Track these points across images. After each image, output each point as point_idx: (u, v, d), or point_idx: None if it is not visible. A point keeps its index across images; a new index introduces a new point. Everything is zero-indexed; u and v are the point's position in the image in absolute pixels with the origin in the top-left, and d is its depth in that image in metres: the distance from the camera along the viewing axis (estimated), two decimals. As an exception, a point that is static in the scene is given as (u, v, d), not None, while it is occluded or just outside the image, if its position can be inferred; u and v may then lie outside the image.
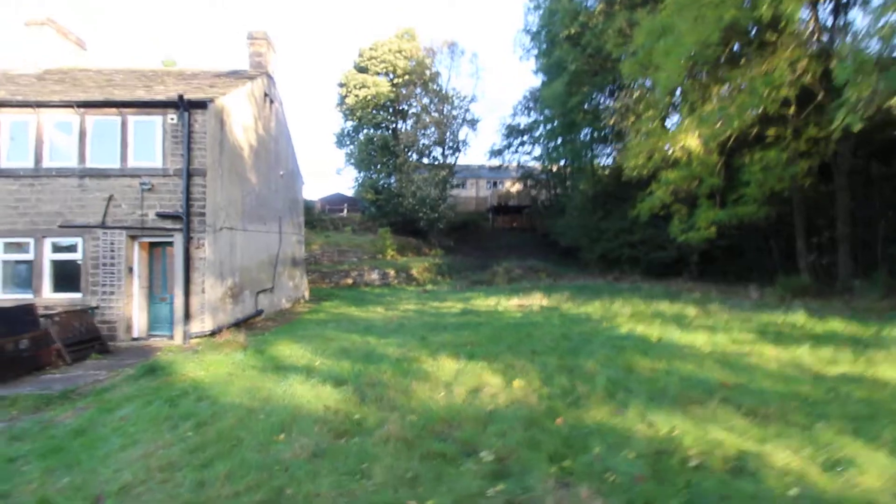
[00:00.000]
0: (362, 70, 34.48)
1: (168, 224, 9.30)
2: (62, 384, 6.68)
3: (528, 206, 43.23)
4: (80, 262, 9.16)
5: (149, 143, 9.39)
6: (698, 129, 14.14)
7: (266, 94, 13.50)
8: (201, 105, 9.42)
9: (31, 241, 9.10)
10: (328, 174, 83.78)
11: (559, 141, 29.86)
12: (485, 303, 14.71)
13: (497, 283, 20.67)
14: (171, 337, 9.31)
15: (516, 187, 46.78)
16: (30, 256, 9.09)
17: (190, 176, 9.32)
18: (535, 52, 26.12)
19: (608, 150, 22.10)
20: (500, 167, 42.23)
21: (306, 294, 17.69)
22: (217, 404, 5.14)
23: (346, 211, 37.75)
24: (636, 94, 16.45)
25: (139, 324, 9.53)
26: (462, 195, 46.67)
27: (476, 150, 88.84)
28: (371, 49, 34.60)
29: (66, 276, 9.18)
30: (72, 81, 10.60)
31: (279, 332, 10.27)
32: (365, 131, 34.85)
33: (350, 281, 22.08)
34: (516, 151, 41.32)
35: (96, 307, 9.06)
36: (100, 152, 9.36)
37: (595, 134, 21.11)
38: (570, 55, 19.80)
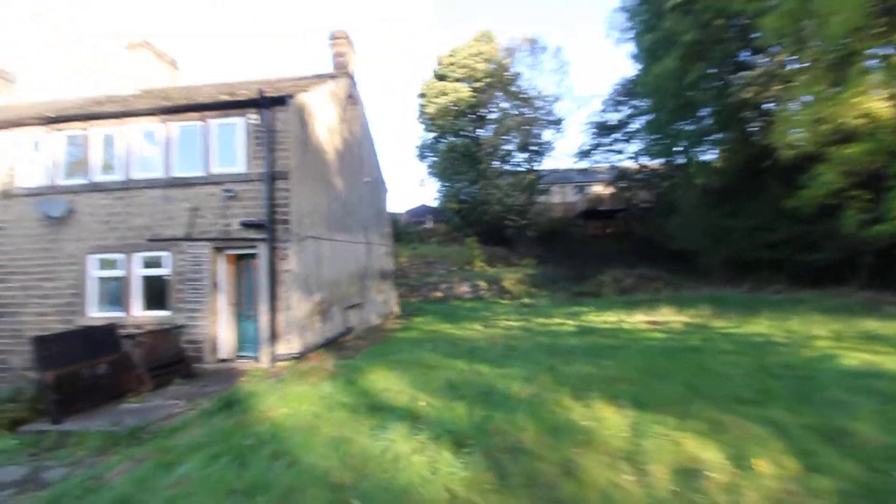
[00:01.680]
0: (441, 78, 33.78)
1: (252, 234, 8.43)
2: (135, 418, 5.76)
3: (623, 210, 39.28)
4: (167, 278, 8.59)
5: (231, 147, 8.66)
6: (889, 86, 10.75)
7: (349, 96, 12.63)
8: (282, 102, 8.51)
9: (121, 256, 8.72)
10: (411, 187, 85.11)
11: (666, 132, 26.35)
12: (601, 318, 12.39)
13: (605, 294, 18.04)
14: (258, 359, 8.35)
15: (607, 190, 43.04)
16: (121, 273, 8.70)
17: (273, 180, 8.39)
18: (633, 32, 23.15)
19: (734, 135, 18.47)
20: (587, 170, 39.00)
21: (396, 309, 16.57)
22: (296, 466, 3.69)
23: (430, 222, 37.01)
24: (786, 55, 13.19)
25: (226, 344, 8.73)
26: (546, 201, 44.00)
27: (560, 152, 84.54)
28: (450, 55, 33.84)
29: (155, 293, 8.66)
30: (162, 96, 10.39)
31: (371, 354, 8.95)
32: (446, 140, 33.95)
33: (439, 294, 20.74)
34: (607, 151, 37.98)
35: (182, 326, 8.38)
36: (184, 160, 8.82)
37: (720, 115, 17.72)
38: (682, 24, 16.84)
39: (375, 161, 15.52)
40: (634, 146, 37.58)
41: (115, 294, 8.79)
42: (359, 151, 13.42)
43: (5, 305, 8.86)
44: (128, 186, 8.81)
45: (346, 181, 11.84)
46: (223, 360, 8.58)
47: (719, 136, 19.15)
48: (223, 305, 8.72)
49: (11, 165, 9.16)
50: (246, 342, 8.84)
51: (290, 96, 8.63)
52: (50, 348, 6.35)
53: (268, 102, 8.45)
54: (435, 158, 36.05)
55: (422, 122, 36.05)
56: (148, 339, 7.47)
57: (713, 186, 21.65)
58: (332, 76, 11.63)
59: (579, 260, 31.78)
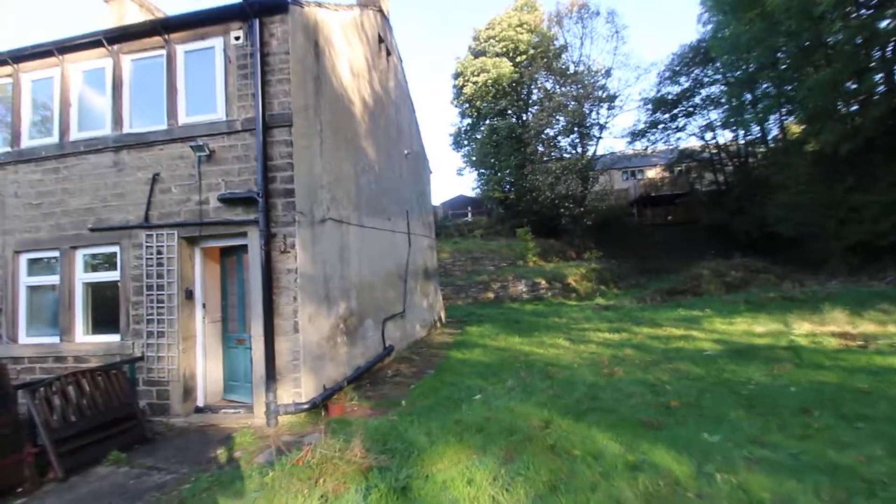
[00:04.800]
0: (480, 54, 30.39)
1: (238, 214, 5.42)
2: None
3: (685, 195, 34.67)
4: (119, 285, 5.71)
5: (206, 85, 5.68)
6: None
7: (381, 39, 9.52)
8: (280, 8, 5.45)
9: (56, 254, 5.91)
10: (447, 178, 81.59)
11: (754, 93, 22.07)
12: (736, 328, 8.77)
13: (708, 291, 14.18)
14: (252, 408, 5.33)
15: (661, 174, 38.41)
16: (55, 279, 5.89)
17: (267, 129, 5.35)
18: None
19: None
20: (639, 154, 34.58)
21: (442, 315, 13.40)
22: None
23: (469, 215, 33.74)
24: None
25: (206, 382, 5.79)
26: (594, 189, 39.74)
27: (612, 133, 77.99)
28: (488, 28, 30.45)
29: (105, 309, 5.81)
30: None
31: (424, 394, 5.77)
32: (487, 123, 30.52)
33: (491, 295, 17.44)
34: (666, 129, 33.49)
35: (138, 359, 5.47)
36: (141, 109, 5.93)
37: (853, 56, 13.45)
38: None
39: (416, 132, 12.39)
40: (695, 125, 33.13)
41: (52, 310, 6.00)
42: (396, 116, 10.31)
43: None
44: (64, 152, 5.99)
45: (380, 150, 8.75)
46: (201, 410, 5.61)
47: (851, 85, 14.74)
48: (201, 324, 5.76)
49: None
50: (236, 380, 5.86)
51: (294, 1, 5.56)
52: None
53: (259, 10, 5.41)
54: (472, 146, 32.76)
55: (457, 106, 32.83)
56: (70, 384, 4.57)
57: (844, 151, 17.18)
58: (359, 4, 8.56)
59: (642, 252, 27.74)
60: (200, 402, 5.67)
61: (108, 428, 4.68)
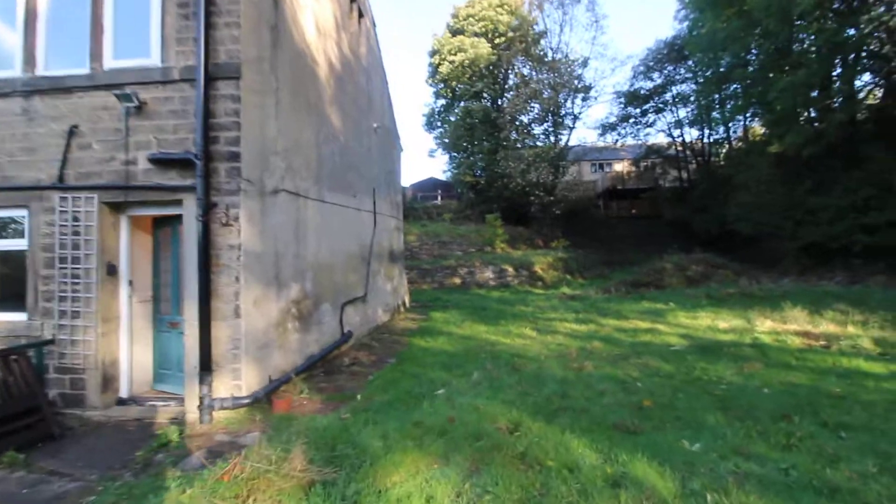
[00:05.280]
0: (458, 32, 29.46)
1: (172, 177, 4.68)
2: None
3: (650, 189, 35.44)
4: (27, 256, 4.87)
5: (138, 23, 4.84)
6: None
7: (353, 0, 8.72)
8: (231, -61, 4.66)
9: (-52, 216, 4.99)
10: (417, 159, 79.97)
11: (723, 93, 22.45)
12: (700, 322, 8.75)
13: (671, 285, 14.34)
14: (178, 401, 4.68)
15: (628, 168, 39.04)
16: (-52, 245, 4.98)
17: (210, 79, 4.60)
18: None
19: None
20: (608, 147, 34.97)
21: (407, 299, 12.91)
22: None
23: (439, 198, 33.16)
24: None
25: (133, 370, 5.08)
26: (565, 179, 39.90)
27: (585, 124, 78.27)
28: (468, 6, 29.51)
29: (8, 283, 4.95)
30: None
31: (384, 388, 5.29)
32: (461, 105, 29.77)
33: (457, 280, 17.07)
34: (637, 123, 33.86)
35: (48, 342, 4.69)
36: (59, 48, 5.01)
37: (825, 59, 13.66)
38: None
39: (388, 105, 11.66)
40: (664, 121, 33.70)
41: (-55, 282, 5.08)
42: (366, 85, 9.56)
43: None
44: (-41, 93, 5.01)
45: (347, 119, 8.03)
46: (125, 401, 4.91)
47: (814, 93, 15.00)
48: (126, 304, 5.02)
49: None
50: (168, 367, 5.18)
51: (246, -67, 4.78)
52: None
53: (203, -61, 4.59)
54: (446, 127, 32.00)
55: (432, 85, 31.92)
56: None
57: (790, 158, 17.72)
58: (325, -45, 7.73)
59: (607, 243, 28.15)
60: (124, 393, 4.96)
61: (5, 423, 3.95)
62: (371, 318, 9.07)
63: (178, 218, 4.81)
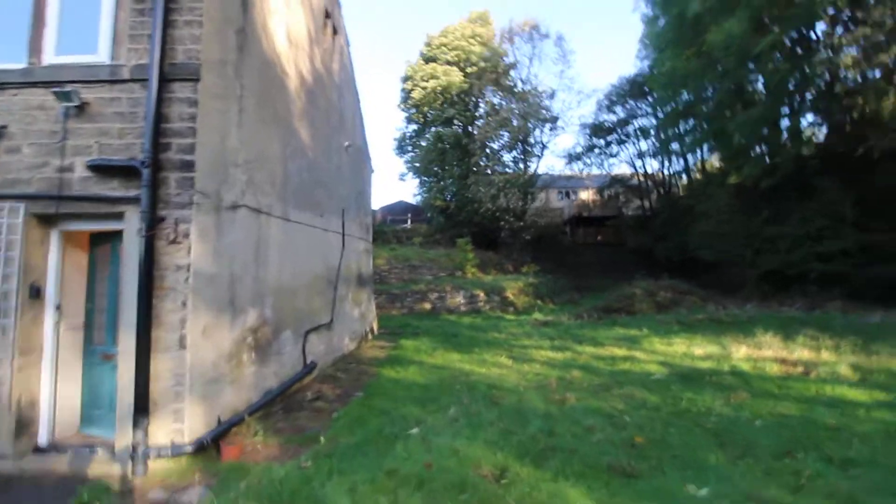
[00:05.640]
0: (431, 60, 29.88)
1: (114, 187, 4.13)
2: None
3: (614, 217, 36.61)
4: (-70, 275, 4.13)
5: (87, 16, 4.35)
6: None
7: (328, 14, 8.48)
8: (195, -67, 4.30)
9: None
10: (387, 183, 79.65)
11: (682, 127, 23.50)
12: (675, 349, 8.65)
13: (641, 311, 14.40)
14: (109, 449, 3.98)
15: (593, 196, 40.29)
16: None
17: (165, 80, 4.15)
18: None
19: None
20: (575, 176, 35.98)
21: (375, 326, 12.32)
22: None
23: (409, 221, 32.84)
24: None
25: (58, 411, 4.34)
26: (534, 205, 40.61)
27: (551, 153, 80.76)
28: (441, 35, 30.06)
29: None
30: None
31: (350, 429, 4.73)
32: (433, 130, 29.94)
33: (428, 305, 16.60)
34: (601, 154, 35.11)
35: (-53, 378, 3.94)
36: (-13, 39, 4.44)
37: (777, 96, 14.51)
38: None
39: (360, 125, 11.35)
40: (626, 152, 35.19)
41: None
42: (338, 102, 9.24)
43: None
44: None
45: (317, 135, 7.64)
46: (44, 450, 4.16)
47: (765, 130, 15.85)
48: (51, 333, 4.32)
49: None
50: (99, 407, 4.47)
51: (212, -70, 4.43)
52: None
53: (163, -68, 4.21)
54: (417, 152, 32.04)
55: (404, 110, 32.03)
56: None
57: (748, 189, 18.55)
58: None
59: (575, 269, 28.50)
60: (44, 439, 4.21)
61: None
62: (337, 346, 8.47)
63: (120, 234, 4.23)
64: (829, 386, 5.51)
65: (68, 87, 4.15)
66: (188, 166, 4.12)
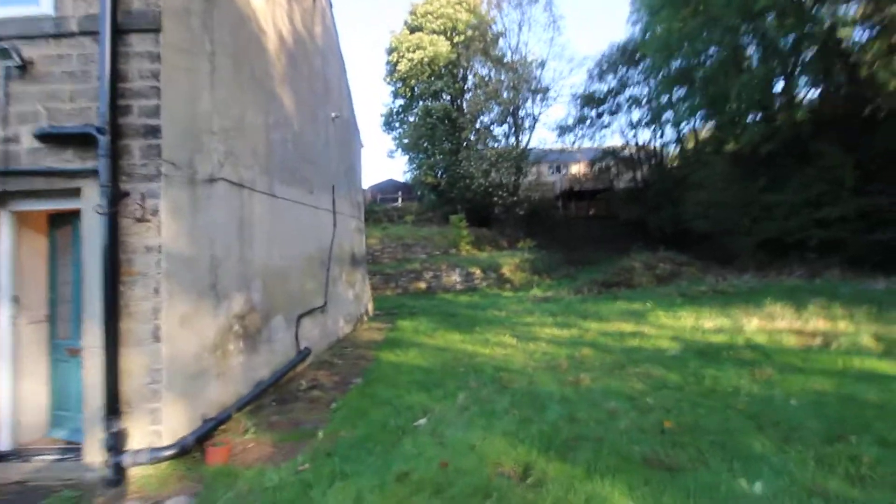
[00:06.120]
0: (416, 29, 28.67)
1: (68, 159, 3.56)
2: None
3: (606, 190, 36.31)
4: None
5: (20, -43, 3.68)
6: None
7: (306, -29, 7.71)
8: None
9: None
10: (376, 161, 77.77)
11: (675, 94, 22.92)
12: (683, 323, 8.35)
13: (640, 284, 14.15)
14: (79, 454, 3.53)
15: (584, 170, 39.75)
16: None
17: (120, 32, 3.54)
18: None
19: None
20: (566, 150, 35.32)
21: (370, 307, 11.91)
22: None
23: (400, 200, 32.16)
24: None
25: (19, 413, 3.87)
26: (527, 180, 39.97)
27: (544, 125, 78.33)
28: (426, 3, 28.76)
29: None
30: None
31: (350, 422, 4.31)
32: (421, 104, 28.98)
33: (423, 285, 16.21)
34: (592, 125, 34.43)
35: None
36: None
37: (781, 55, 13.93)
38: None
39: (347, 95, 10.64)
40: (618, 123, 34.52)
41: None
42: (323, 69, 8.55)
43: None
44: None
45: (301, 104, 7.01)
46: (5, 456, 3.70)
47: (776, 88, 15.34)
48: (7, 328, 3.81)
49: None
50: (66, 408, 4.00)
51: None
52: None
53: None
54: (404, 129, 31.09)
55: (390, 84, 30.93)
56: None
57: (745, 156, 18.18)
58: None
59: (569, 244, 28.27)
60: (5, 445, 3.75)
61: None
62: (332, 330, 8.04)
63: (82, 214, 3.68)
64: (856, 358, 5.23)
65: (5, 44, 3.52)
66: (153, 132, 3.55)
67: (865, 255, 14.81)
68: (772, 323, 7.51)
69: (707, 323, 8.09)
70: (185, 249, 3.76)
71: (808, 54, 13.69)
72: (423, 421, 4.08)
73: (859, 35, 12.67)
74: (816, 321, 7.21)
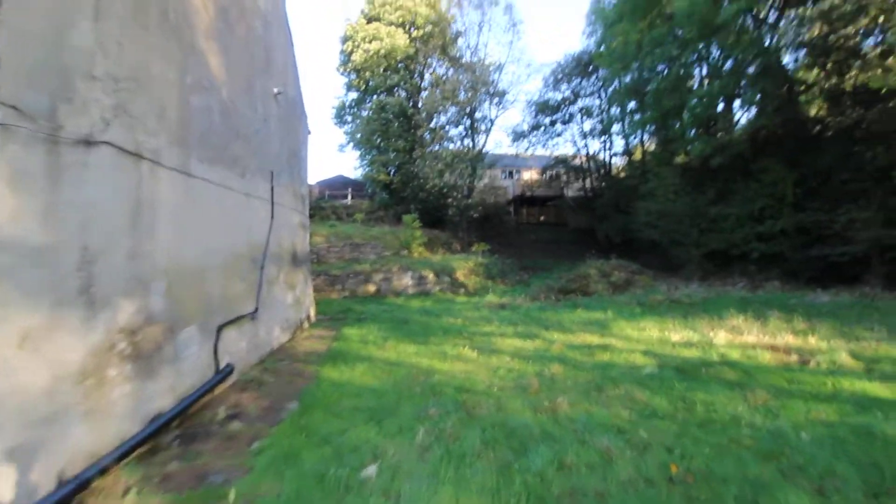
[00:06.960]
0: (374, 19, 27.46)
1: None
2: None
3: (557, 198, 37.00)
4: None
5: None
6: None
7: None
8: None
9: None
10: (325, 155, 74.46)
11: (626, 106, 23.40)
12: (649, 335, 7.95)
13: (596, 291, 13.89)
14: None
15: (536, 177, 40.28)
16: None
17: None
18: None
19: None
20: (519, 156, 35.55)
21: (312, 312, 10.68)
22: None
23: (349, 197, 30.69)
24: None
25: None
26: (482, 182, 39.71)
27: (500, 128, 79.10)
28: (384, -6, 27.60)
29: None
30: None
31: (276, 471, 3.23)
32: (375, 98, 27.76)
33: (372, 288, 15.09)
34: (546, 133, 34.84)
35: None
36: None
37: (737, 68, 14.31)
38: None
39: (293, 72, 9.42)
40: (570, 132, 35.21)
41: None
42: (263, 35, 7.34)
43: None
44: None
45: (235, 70, 5.82)
46: None
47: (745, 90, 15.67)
48: None
49: None
50: None
51: None
52: None
53: None
54: (356, 123, 29.70)
55: (343, 74, 29.48)
56: None
57: (695, 168, 18.75)
58: None
59: (521, 249, 28.27)
60: None
61: None
62: (264, 340, 6.84)
63: None
64: (844, 380, 4.89)
65: None
66: (-20, 59, 2.38)
67: (802, 269, 15.54)
68: (740, 337, 7.24)
69: (674, 335, 7.71)
70: (32, 236, 2.59)
71: (759, 71, 14.12)
72: (372, 470, 3.14)
73: (797, 59, 13.21)
74: (784, 336, 7.00)
